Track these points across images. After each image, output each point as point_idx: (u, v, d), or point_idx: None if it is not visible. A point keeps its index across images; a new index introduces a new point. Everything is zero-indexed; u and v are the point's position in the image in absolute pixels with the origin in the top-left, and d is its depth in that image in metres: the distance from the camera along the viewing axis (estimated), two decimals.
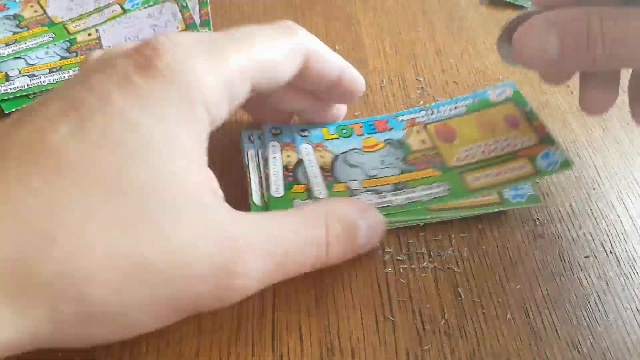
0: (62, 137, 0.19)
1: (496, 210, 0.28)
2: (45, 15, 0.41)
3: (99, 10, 0.41)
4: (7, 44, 0.38)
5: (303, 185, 0.28)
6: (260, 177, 0.28)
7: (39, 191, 0.18)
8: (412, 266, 0.26)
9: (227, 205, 0.22)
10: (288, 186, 0.28)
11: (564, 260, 0.27)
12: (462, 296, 0.25)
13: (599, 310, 0.25)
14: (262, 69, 0.23)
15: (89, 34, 0.39)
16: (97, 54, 0.24)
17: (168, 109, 0.20)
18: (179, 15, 0.41)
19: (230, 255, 0.20)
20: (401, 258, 0.27)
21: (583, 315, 0.25)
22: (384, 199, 0.28)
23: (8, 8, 0.41)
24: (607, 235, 0.28)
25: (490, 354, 0.23)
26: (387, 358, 0.23)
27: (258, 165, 0.29)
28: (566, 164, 0.27)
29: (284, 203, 0.27)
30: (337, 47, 0.39)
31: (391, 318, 0.24)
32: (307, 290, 0.25)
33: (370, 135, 0.31)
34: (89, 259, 0.18)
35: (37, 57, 0.37)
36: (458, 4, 0.44)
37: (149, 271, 0.19)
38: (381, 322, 0.24)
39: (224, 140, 0.31)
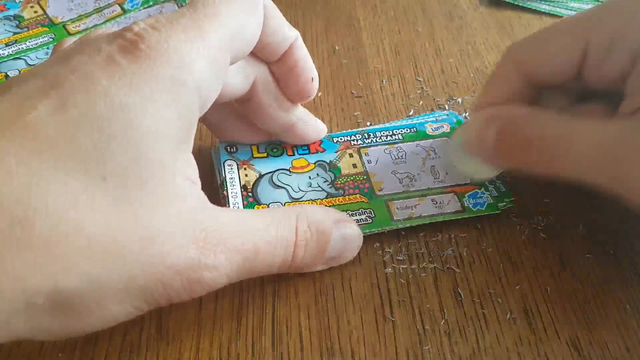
0: (42, 116, 0.18)
1: (459, 217, 0.28)
2: (45, 16, 0.41)
3: (98, 10, 0.41)
4: (7, 45, 0.38)
5: (263, 206, 0.27)
6: (225, 193, 0.28)
7: (13, 171, 0.17)
8: (412, 266, 0.26)
9: (203, 196, 0.22)
10: (248, 207, 0.27)
11: (564, 260, 0.27)
12: (462, 296, 0.25)
13: (599, 310, 0.25)
14: (237, 35, 0.23)
15: None
16: (69, 41, 0.24)
17: (157, 89, 0.19)
18: None
19: (202, 248, 0.20)
20: (401, 258, 0.27)
21: (583, 315, 0.25)
22: None
23: (8, 9, 0.41)
24: (607, 235, 0.28)
25: (490, 354, 0.23)
26: (387, 358, 0.23)
27: (239, 177, 0.28)
28: (492, 207, 0.28)
29: None
30: (337, 47, 0.39)
31: (391, 318, 0.24)
32: (307, 290, 0.25)
33: (301, 156, 0.30)
34: (67, 248, 0.17)
35: (37, 58, 0.38)
36: (458, 4, 0.44)
37: (127, 261, 0.18)
38: (381, 322, 0.24)
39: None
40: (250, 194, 0.28)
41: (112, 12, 0.41)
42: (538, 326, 0.24)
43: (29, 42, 0.38)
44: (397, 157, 0.30)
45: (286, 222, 0.23)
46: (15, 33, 0.39)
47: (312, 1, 0.44)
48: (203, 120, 0.30)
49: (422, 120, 0.32)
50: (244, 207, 0.27)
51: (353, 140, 0.31)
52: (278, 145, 0.30)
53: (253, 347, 0.23)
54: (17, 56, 0.37)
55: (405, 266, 0.26)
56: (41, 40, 0.39)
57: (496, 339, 0.24)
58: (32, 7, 0.41)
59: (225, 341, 0.24)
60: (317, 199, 0.28)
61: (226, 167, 0.29)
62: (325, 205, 0.27)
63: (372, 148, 0.31)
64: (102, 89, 0.19)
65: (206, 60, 0.21)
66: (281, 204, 0.27)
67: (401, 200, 0.28)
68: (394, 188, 0.29)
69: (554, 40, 0.26)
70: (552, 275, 0.26)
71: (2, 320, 0.17)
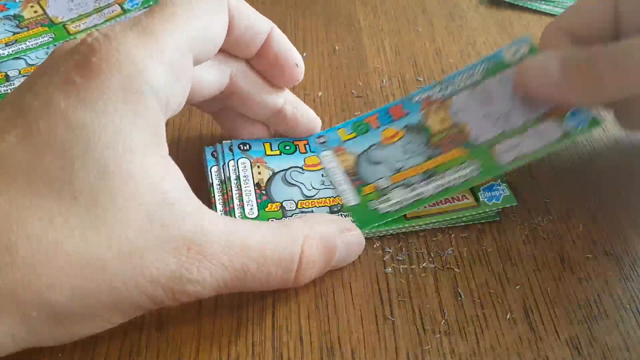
0: (11, 147, 0.19)
1: (474, 213, 0.27)
2: (45, 16, 0.41)
3: (98, 10, 0.41)
4: (7, 44, 0.38)
5: (277, 204, 0.27)
6: (225, 195, 0.27)
7: None
8: (412, 266, 0.26)
9: (191, 199, 0.21)
10: (262, 205, 0.27)
11: (564, 260, 0.27)
12: (462, 296, 0.25)
13: (599, 310, 0.25)
14: (198, 36, 0.22)
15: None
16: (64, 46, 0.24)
17: (111, 104, 0.20)
18: None
19: (184, 262, 0.20)
20: (401, 258, 0.27)
21: (583, 315, 0.25)
22: (415, 192, 0.27)
23: (8, 8, 0.41)
24: (607, 235, 0.28)
25: (490, 354, 0.23)
26: (387, 358, 0.23)
27: (223, 183, 0.28)
28: (595, 122, 0.26)
29: None
30: (337, 47, 0.39)
31: (391, 318, 0.24)
32: (307, 290, 0.25)
33: (387, 126, 0.29)
34: (49, 266, 0.18)
35: (37, 58, 0.38)
36: (458, 4, 0.44)
37: (107, 275, 0.19)
38: (381, 322, 0.24)
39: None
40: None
41: (112, 12, 0.41)
42: (538, 326, 0.24)
43: (29, 42, 0.38)
44: (484, 99, 0.29)
45: (289, 244, 0.22)
46: (15, 33, 0.39)
47: (312, 1, 0.44)
48: (205, 110, 0.30)
49: (497, 52, 0.30)
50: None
51: (433, 94, 0.30)
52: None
53: (253, 347, 0.23)
54: (17, 56, 0.37)
55: (405, 266, 0.26)
56: (41, 40, 0.39)
57: (496, 339, 0.24)
58: (32, 6, 0.41)
59: (225, 341, 0.24)
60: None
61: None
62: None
63: (454, 98, 0.29)
64: (60, 111, 0.19)
65: (162, 63, 0.21)
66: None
67: (504, 143, 0.27)
68: (491, 132, 0.28)
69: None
70: (552, 275, 0.26)
71: (7, 332, 0.18)
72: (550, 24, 0.29)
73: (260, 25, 0.26)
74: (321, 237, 0.24)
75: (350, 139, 0.29)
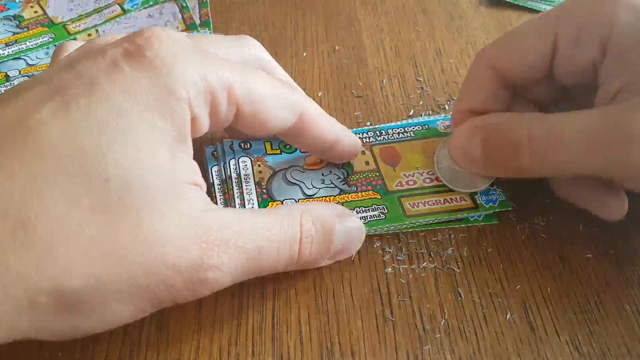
0: (45, 118, 0.18)
1: (472, 214, 0.28)
2: (45, 16, 0.41)
3: (98, 10, 0.41)
4: (7, 45, 0.38)
5: (277, 202, 0.27)
6: (226, 195, 0.28)
7: (16, 174, 0.17)
8: (412, 266, 0.26)
9: (207, 197, 0.22)
10: (262, 204, 0.27)
11: (564, 260, 0.27)
12: (462, 296, 0.25)
13: (599, 310, 0.25)
14: (251, 100, 0.23)
15: (89, 35, 0.39)
16: (69, 45, 0.24)
17: (153, 99, 0.20)
18: (179, 15, 0.41)
19: (205, 248, 0.20)
20: (401, 258, 0.27)
21: (583, 315, 0.25)
22: None
23: (8, 8, 0.41)
24: (607, 235, 0.28)
25: (490, 354, 0.23)
26: (387, 358, 0.23)
27: (224, 182, 0.28)
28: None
29: None
30: (337, 47, 0.39)
31: (391, 318, 0.25)
32: (307, 290, 0.25)
33: None
34: (69, 250, 0.18)
35: (37, 58, 0.38)
36: (458, 4, 0.44)
37: (128, 263, 0.19)
38: (381, 322, 0.24)
39: None
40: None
41: (112, 12, 0.41)
42: (538, 326, 0.24)
43: (29, 42, 0.38)
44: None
45: (290, 221, 0.23)
46: (15, 33, 0.39)
47: (312, 1, 0.44)
48: None
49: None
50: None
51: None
52: None
53: (253, 347, 0.23)
54: (17, 56, 0.37)
55: (405, 266, 0.26)
56: (41, 40, 0.39)
57: (496, 339, 0.24)
58: (32, 7, 0.41)
59: (225, 341, 0.24)
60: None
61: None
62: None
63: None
64: (103, 93, 0.19)
65: (204, 88, 0.21)
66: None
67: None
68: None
69: (524, 37, 0.26)
70: (552, 275, 0.26)
71: (6, 319, 0.17)
72: (483, 52, 0.28)
73: (327, 136, 0.27)
74: (317, 215, 0.24)
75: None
